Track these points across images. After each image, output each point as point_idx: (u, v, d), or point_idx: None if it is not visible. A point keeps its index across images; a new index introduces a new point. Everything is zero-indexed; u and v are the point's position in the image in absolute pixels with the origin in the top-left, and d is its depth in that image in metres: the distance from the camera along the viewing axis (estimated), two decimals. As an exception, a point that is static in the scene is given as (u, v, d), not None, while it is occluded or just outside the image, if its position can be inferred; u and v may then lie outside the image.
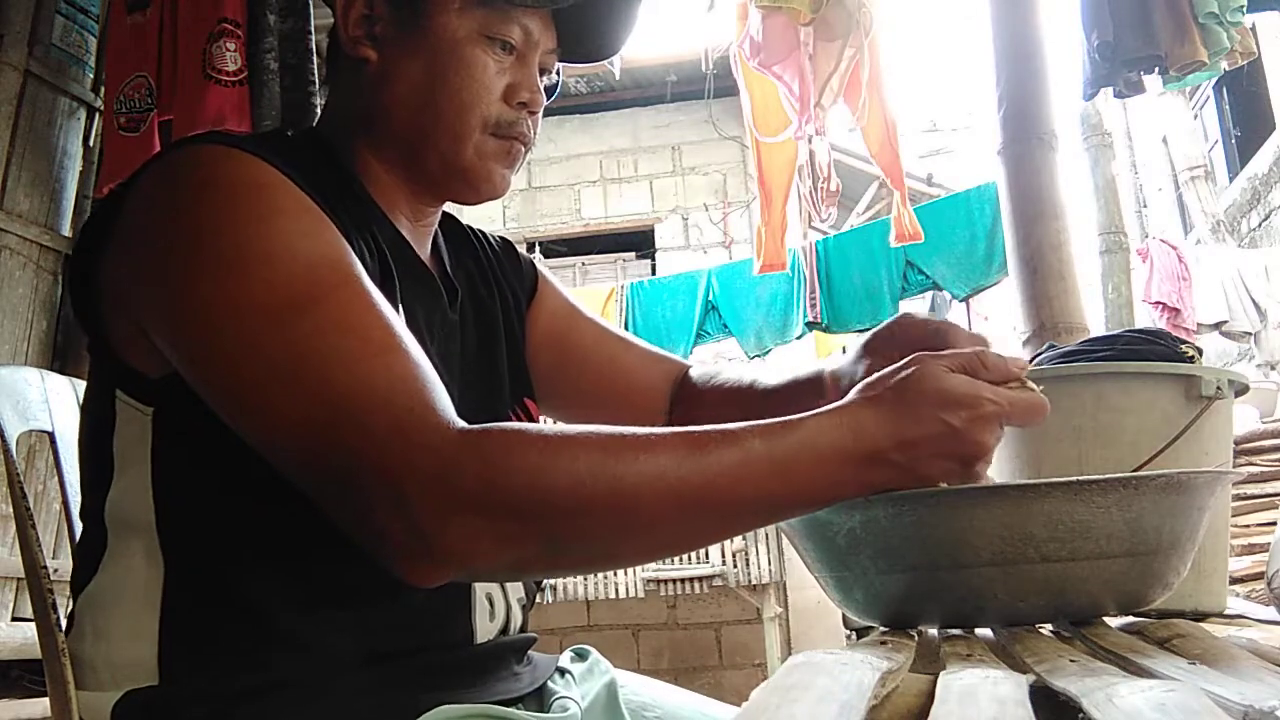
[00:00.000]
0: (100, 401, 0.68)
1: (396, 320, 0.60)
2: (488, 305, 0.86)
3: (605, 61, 0.87)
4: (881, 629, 0.68)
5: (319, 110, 2.75)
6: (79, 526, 0.87)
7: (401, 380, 0.56)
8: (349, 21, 0.75)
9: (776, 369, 0.95)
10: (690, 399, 0.96)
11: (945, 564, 0.58)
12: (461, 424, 0.56)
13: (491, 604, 0.75)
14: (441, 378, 0.60)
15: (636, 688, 0.88)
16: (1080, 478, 0.56)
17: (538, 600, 0.83)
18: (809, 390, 0.89)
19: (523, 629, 0.80)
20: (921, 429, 0.56)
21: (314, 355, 0.56)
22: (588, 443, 0.56)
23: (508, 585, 0.78)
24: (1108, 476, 0.57)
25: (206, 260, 0.59)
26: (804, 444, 0.57)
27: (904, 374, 0.58)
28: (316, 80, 2.79)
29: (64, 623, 0.72)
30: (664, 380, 0.97)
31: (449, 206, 0.86)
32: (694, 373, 0.97)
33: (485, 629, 0.74)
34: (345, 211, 0.68)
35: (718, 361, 5.32)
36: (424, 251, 0.80)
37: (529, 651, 0.81)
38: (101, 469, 0.68)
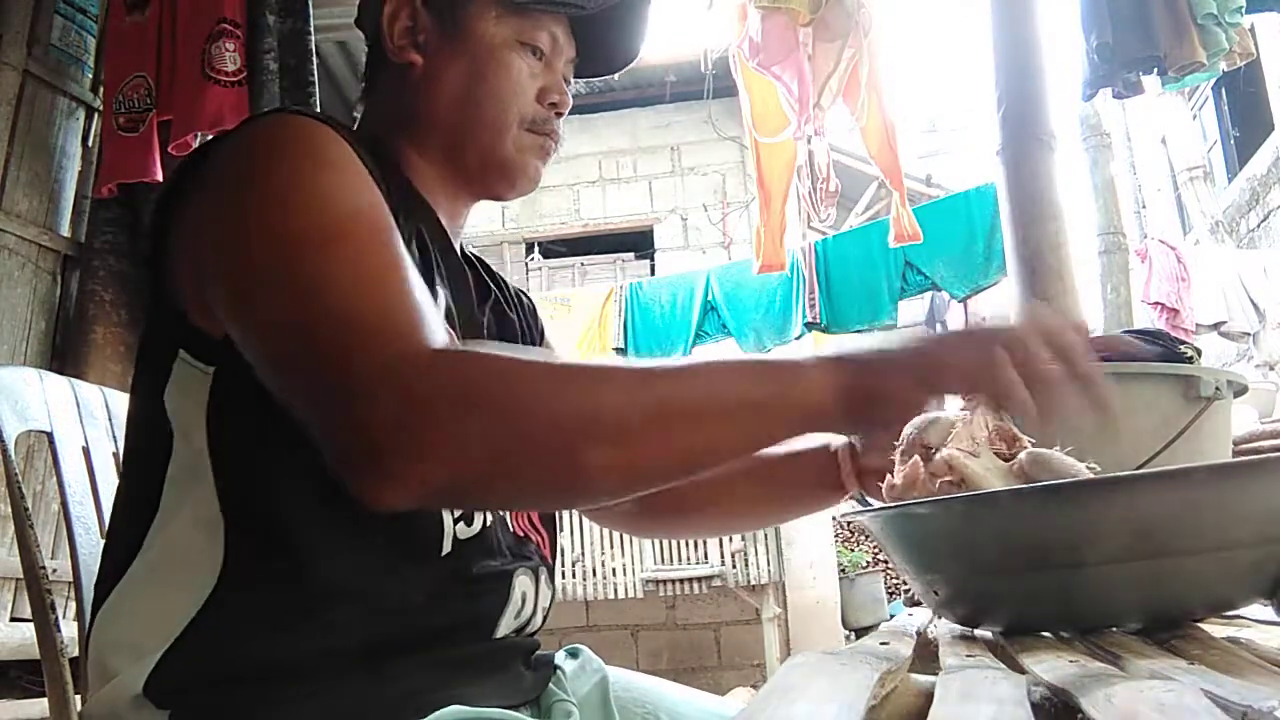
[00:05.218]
0: (158, 368, 0.70)
1: (409, 264, 0.65)
2: (509, 320, 0.90)
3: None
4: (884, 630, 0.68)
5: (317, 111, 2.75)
6: (78, 526, 0.87)
7: (397, 302, 0.60)
8: (394, 32, 0.82)
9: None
10: None
11: (1135, 555, 0.56)
12: (441, 344, 0.59)
13: (523, 602, 0.77)
14: None
15: (627, 683, 0.88)
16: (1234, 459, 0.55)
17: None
18: (811, 460, 0.94)
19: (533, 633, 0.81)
20: (914, 347, 0.63)
21: (321, 279, 0.61)
22: (558, 363, 0.61)
23: (541, 589, 0.79)
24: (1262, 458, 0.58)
25: (254, 197, 0.65)
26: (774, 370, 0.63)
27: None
28: (316, 81, 2.79)
29: (62, 623, 0.72)
30: None
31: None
32: None
33: (508, 624, 0.75)
34: (393, 194, 0.72)
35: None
36: (456, 251, 0.85)
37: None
38: (159, 438, 0.69)
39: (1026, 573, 0.59)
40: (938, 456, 0.69)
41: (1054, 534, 0.57)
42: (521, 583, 0.76)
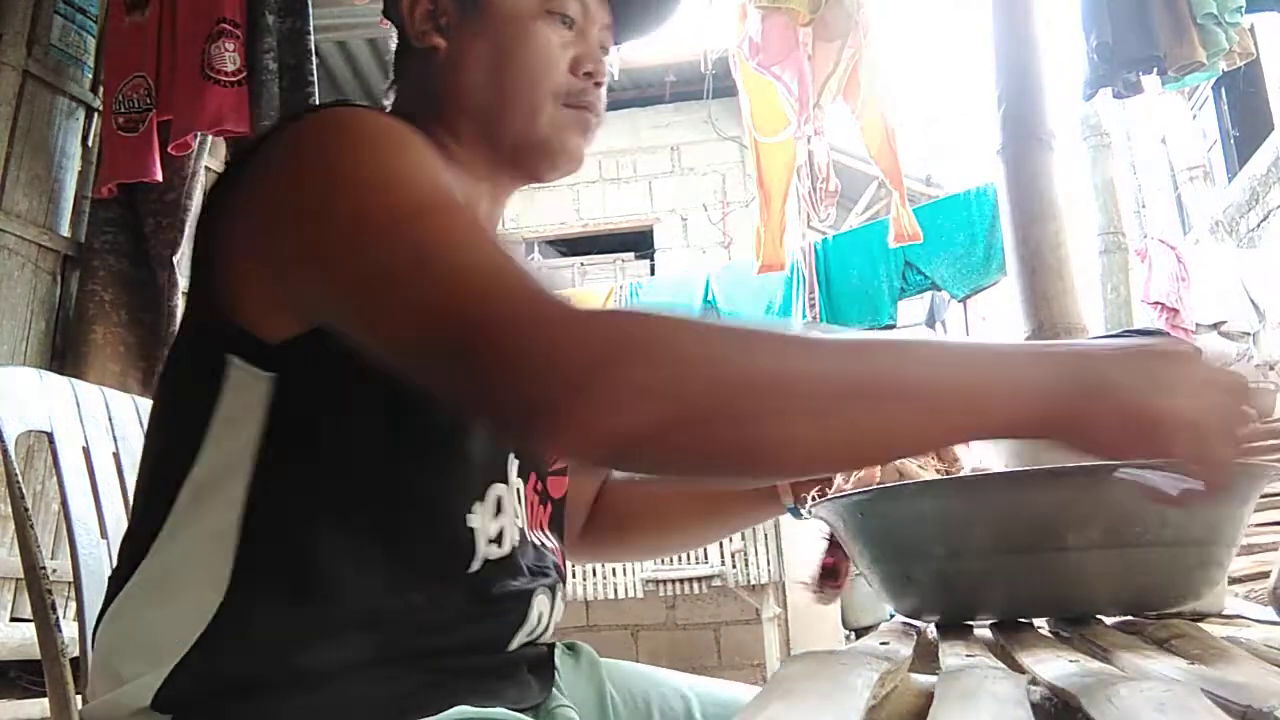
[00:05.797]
0: (196, 372, 0.67)
1: None
2: None
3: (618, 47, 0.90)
4: (886, 625, 0.68)
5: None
6: (78, 526, 0.87)
7: (524, 268, 0.57)
8: (415, 18, 0.78)
9: None
10: (611, 492, 1.00)
11: (1108, 543, 0.58)
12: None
13: (539, 622, 0.76)
14: None
15: (624, 678, 0.88)
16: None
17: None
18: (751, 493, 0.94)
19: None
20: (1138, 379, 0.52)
21: (442, 245, 0.58)
22: (743, 326, 0.56)
23: (556, 605, 0.78)
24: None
25: (343, 182, 0.62)
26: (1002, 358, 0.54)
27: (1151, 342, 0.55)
28: (316, 80, 2.79)
29: (62, 623, 0.71)
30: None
31: None
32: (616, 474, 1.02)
33: (520, 640, 0.74)
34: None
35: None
36: None
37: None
38: (185, 443, 0.66)
39: (1006, 555, 0.60)
40: (889, 464, 0.71)
41: (1035, 518, 0.59)
42: (539, 602, 0.75)
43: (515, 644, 0.74)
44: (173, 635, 0.63)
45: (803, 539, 4.63)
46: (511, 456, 0.75)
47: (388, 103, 0.84)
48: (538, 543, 0.79)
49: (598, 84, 0.79)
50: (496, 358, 0.53)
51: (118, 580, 0.68)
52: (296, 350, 0.64)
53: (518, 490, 0.77)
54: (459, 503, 0.70)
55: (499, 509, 0.73)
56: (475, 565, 0.70)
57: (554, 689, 0.80)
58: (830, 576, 0.87)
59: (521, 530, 0.75)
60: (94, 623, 0.71)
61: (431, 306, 0.56)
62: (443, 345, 0.55)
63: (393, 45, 0.84)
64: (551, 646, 0.83)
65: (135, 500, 0.73)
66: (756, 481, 0.90)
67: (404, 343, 0.58)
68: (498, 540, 0.72)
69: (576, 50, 0.78)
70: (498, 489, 0.73)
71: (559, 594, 0.79)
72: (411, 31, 0.78)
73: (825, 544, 0.88)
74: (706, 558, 4.34)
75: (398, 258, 0.58)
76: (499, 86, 0.76)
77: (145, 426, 0.75)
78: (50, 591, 0.80)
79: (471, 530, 0.70)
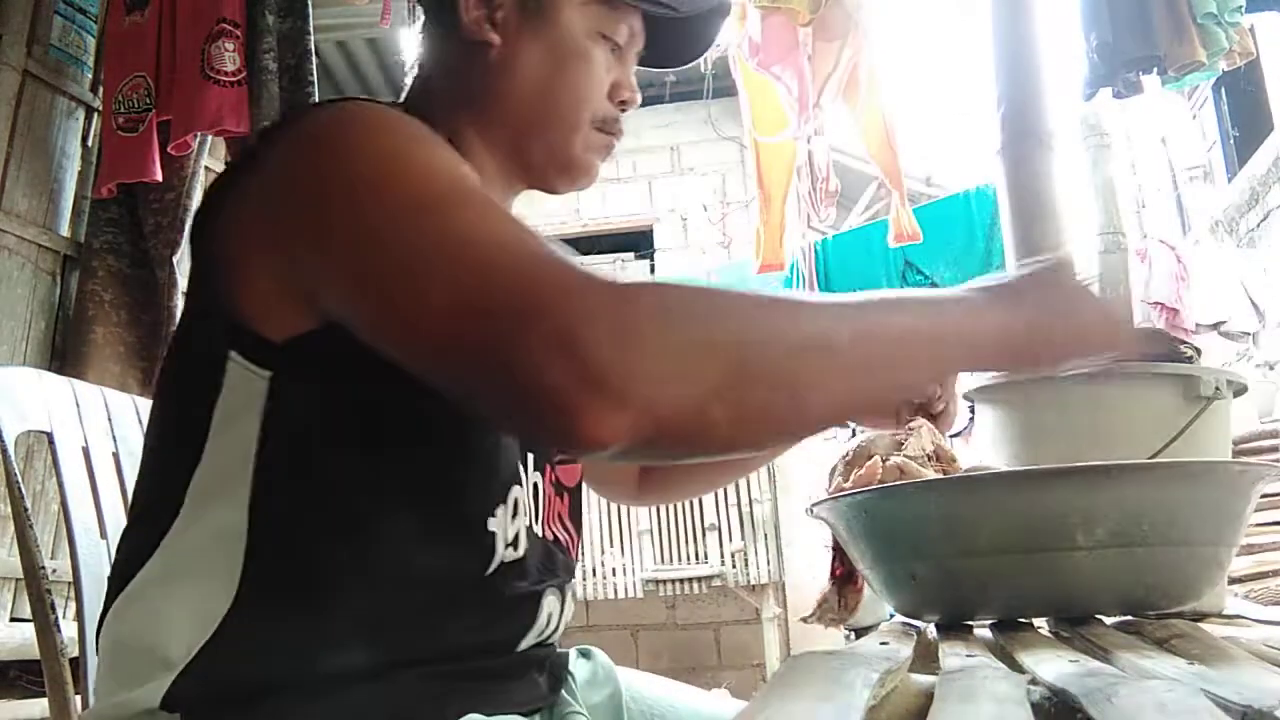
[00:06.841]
0: (198, 369, 0.66)
1: None
2: None
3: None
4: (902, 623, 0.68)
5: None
6: (78, 526, 0.87)
7: (556, 253, 0.55)
8: (469, 4, 0.76)
9: None
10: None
11: (1118, 543, 0.59)
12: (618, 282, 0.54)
13: (548, 623, 0.75)
14: None
15: (640, 688, 0.88)
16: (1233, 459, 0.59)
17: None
18: None
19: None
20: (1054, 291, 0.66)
21: (471, 235, 0.56)
22: (757, 294, 0.58)
23: (566, 605, 0.78)
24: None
25: (360, 175, 0.60)
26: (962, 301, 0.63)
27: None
28: (315, 80, 2.79)
29: (62, 623, 0.71)
30: None
31: None
32: None
33: (529, 641, 0.74)
34: None
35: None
36: None
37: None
38: (188, 440, 0.65)
39: (1007, 555, 0.60)
40: (890, 462, 0.72)
41: (1035, 518, 0.59)
42: (549, 603, 0.75)
43: (525, 645, 0.73)
44: (181, 637, 0.62)
45: (803, 541, 4.63)
46: (529, 453, 0.75)
47: (408, 82, 0.81)
48: (551, 538, 0.79)
49: (624, 110, 0.81)
50: (532, 340, 0.50)
51: (119, 578, 0.67)
52: (299, 349, 0.63)
53: (535, 485, 0.77)
54: (482, 507, 0.69)
55: (516, 511, 0.72)
56: (491, 569, 0.69)
57: (565, 692, 0.80)
58: (848, 581, 0.86)
59: (530, 529, 0.75)
60: (95, 622, 0.71)
61: (458, 299, 0.53)
62: (472, 347, 0.53)
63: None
64: (565, 651, 0.83)
65: (136, 497, 0.72)
66: (786, 443, 0.91)
67: (426, 344, 0.55)
68: (514, 544, 0.71)
69: (616, 76, 0.79)
70: (516, 490, 0.73)
71: (568, 593, 0.79)
72: (464, 18, 0.76)
73: (831, 554, 0.88)
74: (706, 558, 4.34)
75: (423, 248, 0.55)
76: (548, 100, 0.77)
77: (146, 425, 0.74)
78: (50, 591, 0.81)
79: (492, 535, 0.69)
